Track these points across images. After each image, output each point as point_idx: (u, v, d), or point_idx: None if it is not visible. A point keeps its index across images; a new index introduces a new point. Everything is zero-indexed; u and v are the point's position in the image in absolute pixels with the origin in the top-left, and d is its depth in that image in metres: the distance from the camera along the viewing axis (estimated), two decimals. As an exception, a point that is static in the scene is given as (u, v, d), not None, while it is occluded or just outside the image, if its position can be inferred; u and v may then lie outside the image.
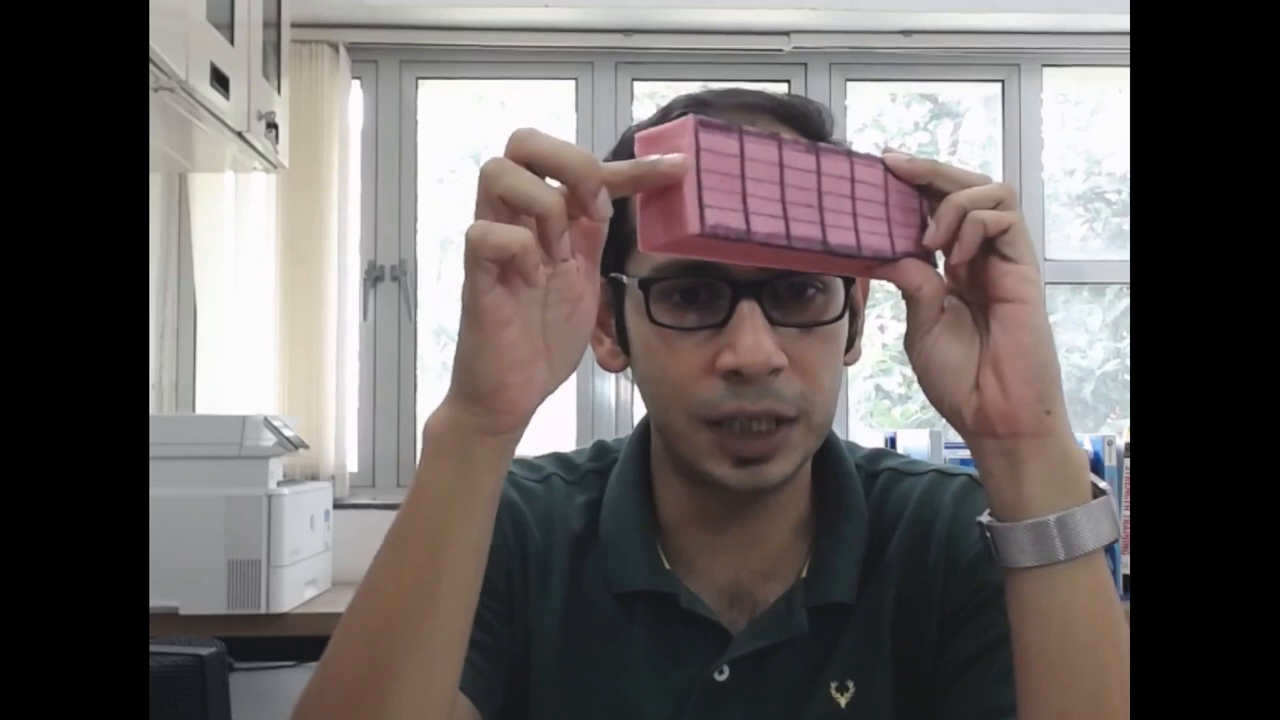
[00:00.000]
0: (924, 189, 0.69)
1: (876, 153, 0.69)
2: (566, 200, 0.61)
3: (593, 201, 0.61)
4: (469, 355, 0.63)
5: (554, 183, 0.61)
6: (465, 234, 0.60)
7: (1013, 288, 0.66)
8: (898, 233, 0.68)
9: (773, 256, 0.65)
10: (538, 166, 0.60)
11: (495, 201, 0.60)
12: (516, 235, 0.59)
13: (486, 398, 0.63)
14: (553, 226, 0.60)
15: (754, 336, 0.73)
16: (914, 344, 0.70)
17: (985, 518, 0.70)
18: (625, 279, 0.79)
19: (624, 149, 0.81)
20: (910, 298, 0.69)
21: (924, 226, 0.69)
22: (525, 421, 0.65)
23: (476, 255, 0.60)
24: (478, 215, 0.61)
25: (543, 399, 0.65)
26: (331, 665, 0.68)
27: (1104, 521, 0.67)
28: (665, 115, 0.81)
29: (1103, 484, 0.69)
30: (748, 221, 0.62)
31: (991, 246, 0.66)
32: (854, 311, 0.81)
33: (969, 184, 0.67)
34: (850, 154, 0.67)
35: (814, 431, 0.78)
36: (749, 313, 0.73)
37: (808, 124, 0.80)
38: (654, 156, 0.60)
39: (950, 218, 0.66)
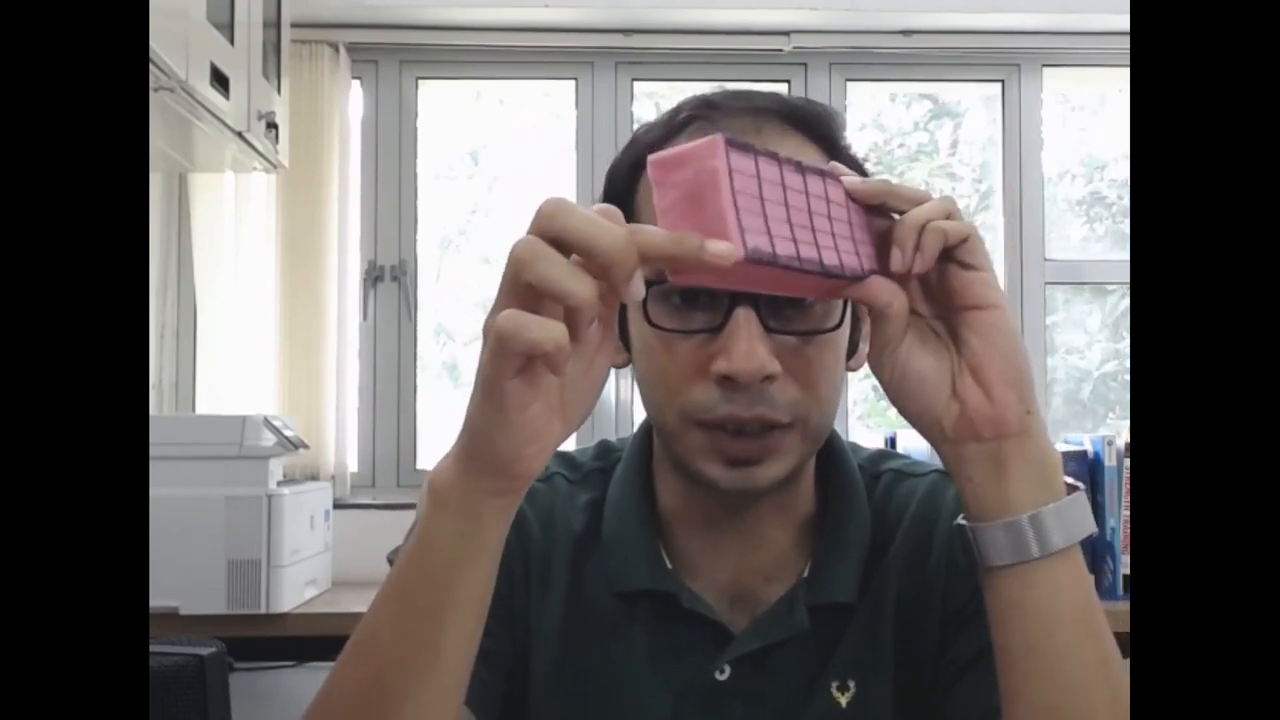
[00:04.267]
0: (876, 209, 0.69)
1: (874, 154, 0.69)
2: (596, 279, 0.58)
3: (626, 286, 0.57)
4: (484, 429, 0.61)
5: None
6: (496, 324, 0.57)
7: (981, 294, 0.67)
8: (862, 251, 0.67)
9: (774, 279, 0.63)
10: (568, 247, 0.57)
11: (524, 289, 0.57)
12: (551, 334, 0.56)
13: (503, 467, 0.62)
14: (584, 318, 0.58)
15: (748, 344, 0.73)
16: (884, 360, 0.70)
17: (964, 520, 0.70)
18: None
19: (633, 150, 0.81)
20: (879, 315, 0.68)
21: (880, 244, 0.68)
22: (534, 479, 0.64)
23: (506, 349, 0.57)
24: (503, 300, 0.58)
25: (553, 452, 0.64)
26: (329, 705, 0.68)
27: (1076, 518, 0.68)
28: (674, 116, 0.81)
29: (1074, 482, 0.70)
30: (772, 245, 0.60)
31: (950, 256, 0.67)
32: (858, 318, 0.82)
33: (919, 200, 0.67)
34: (822, 172, 0.66)
35: (809, 438, 0.78)
36: (745, 319, 0.73)
37: (818, 126, 0.80)
38: (696, 239, 0.57)
39: (910, 238, 0.66)
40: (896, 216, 0.68)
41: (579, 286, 0.57)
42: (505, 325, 0.57)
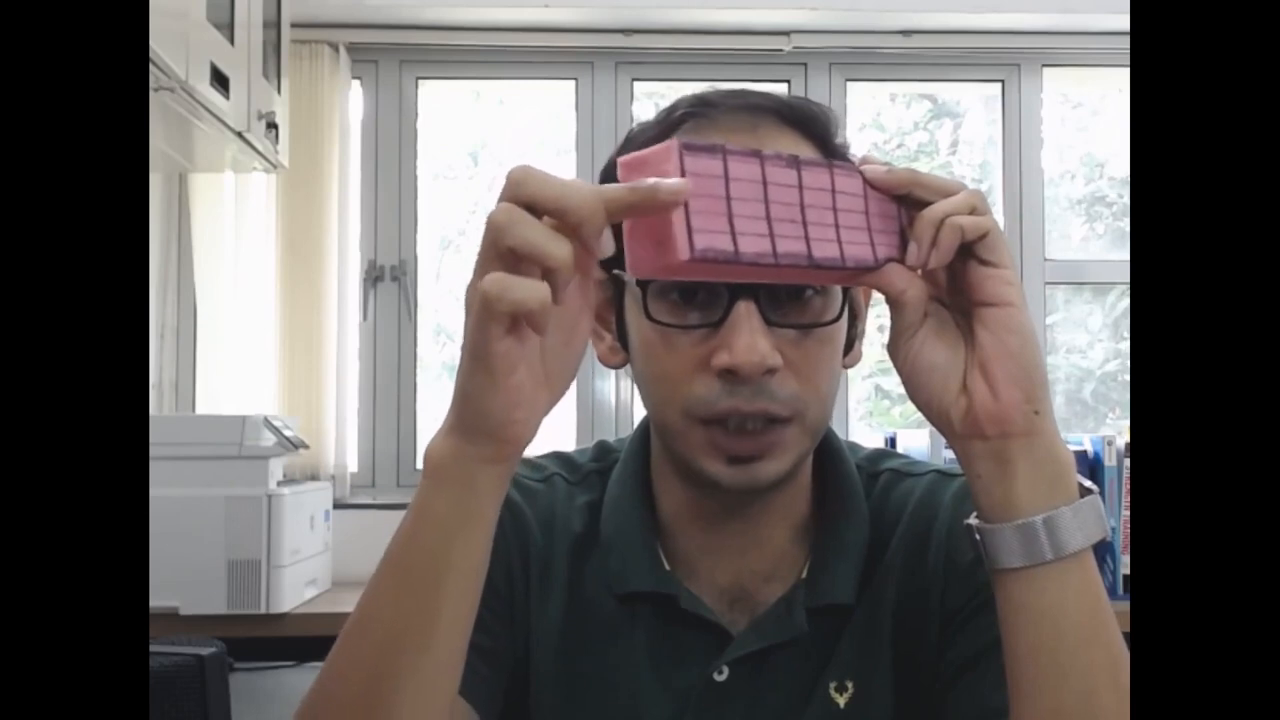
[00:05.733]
0: (902, 198, 0.69)
1: (864, 156, 0.70)
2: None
3: (596, 241, 0.60)
4: (475, 395, 0.63)
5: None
6: (480, 286, 0.59)
7: (995, 291, 0.67)
8: (879, 240, 0.69)
9: (759, 273, 0.65)
10: (539, 210, 0.59)
11: (505, 253, 0.59)
12: (535, 292, 0.59)
13: (493, 432, 0.63)
14: (563, 278, 0.60)
15: (750, 337, 0.73)
16: (899, 348, 0.70)
17: (973, 520, 0.70)
18: (625, 276, 0.79)
19: (628, 149, 0.81)
20: (895, 302, 0.69)
21: (903, 232, 0.69)
22: (526, 446, 0.66)
23: (493, 309, 0.59)
24: (483, 265, 0.60)
25: (541, 422, 0.66)
26: (328, 687, 0.69)
27: (1091, 521, 0.67)
28: (669, 114, 0.81)
29: (1089, 484, 0.69)
30: (735, 243, 0.62)
31: (970, 252, 0.67)
32: (855, 314, 0.82)
33: (946, 192, 0.68)
34: (830, 164, 0.68)
35: (808, 432, 0.78)
36: (746, 313, 0.73)
37: (813, 126, 0.80)
38: (651, 180, 0.60)
39: (929, 234, 0.67)
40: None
41: (557, 247, 0.59)
42: (491, 287, 0.59)
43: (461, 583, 0.66)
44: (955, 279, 0.69)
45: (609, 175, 0.83)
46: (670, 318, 0.76)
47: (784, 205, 0.65)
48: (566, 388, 0.67)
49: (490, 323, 0.60)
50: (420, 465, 2.50)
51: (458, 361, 0.64)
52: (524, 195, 0.59)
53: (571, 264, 0.60)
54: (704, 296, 0.75)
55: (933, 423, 0.71)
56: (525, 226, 0.59)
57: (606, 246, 0.61)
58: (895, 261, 0.69)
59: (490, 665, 0.81)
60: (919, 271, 0.69)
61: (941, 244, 0.66)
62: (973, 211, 0.67)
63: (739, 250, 0.62)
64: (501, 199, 0.60)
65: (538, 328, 0.61)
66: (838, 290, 0.77)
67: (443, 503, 0.65)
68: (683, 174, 0.61)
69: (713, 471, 0.77)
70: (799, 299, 0.76)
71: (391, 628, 0.66)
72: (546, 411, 0.65)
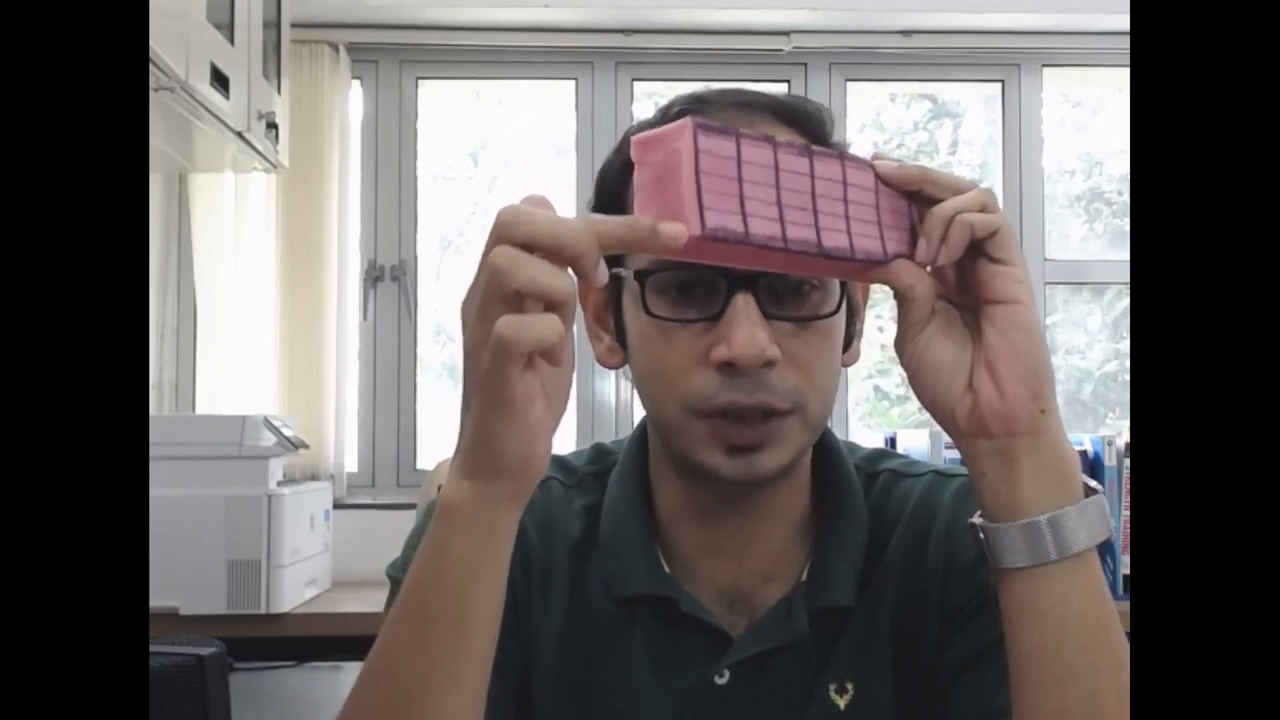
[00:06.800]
0: (913, 195, 0.69)
1: (876, 152, 0.70)
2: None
3: (594, 273, 0.61)
4: (493, 436, 0.62)
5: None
6: (497, 331, 0.59)
7: (1004, 289, 0.67)
8: (889, 235, 0.69)
9: (767, 259, 0.65)
10: (534, 248, 0.60)
11: (511, 296, 0.59)
12: (552, 327, 0.60)
13: (514, 470, 0.63)
14: (570, 312, 0.61)
15: (748, 329, 0.73)
16: (905, 345, 0.70)
17: (977, 519, 0.70)
18: (623, 272, 0.79)
19: (625, 149, 0.81)
20: (903, 297, 0.69)
21: (914, 229, 0.70)
22: (542, 476, 0.66)
23: (512, 352, 0.59)
24: (488, 309, 0.60)
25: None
26: None
27: (1096, 521, 0.67)
28: (665, 114, 0.81)
29: (1094, 483, 0.69)
30: (746, 224, 0.62)
31: (980, 249, 0.67)
32: (853, 311, 0.82)
33: (957, 190, 0.68)
34: (842, 157, 0.68)
35: (808, 426, 0.78)
36: (744, 305, 0.73)
37: (808, 124, 0.80)
38: (648, 222, 0.60)
39: (939, 230, 0.67)
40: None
41: (562, 282, 0.60)
42: (506, 331, 0.59)
43: (485, 621, 0.67)
44: (964, 276, 0.69)
45: (607, 176, 0.83)
46: (668, 312, 0.76)
47: (795, 192, 0.65)
48: (565, 406, 0.67)
49: (509, 365, 0.60)
50: (420, 466, 2.49)
51: (462, 408, 0.64)
52: (519, 236, 0.60)
53: (575, 296, 0.60)
54: (702, 290, 0.75)
55: (938, 420, 0.71)
56: (529, 267, 0.59)
57: (602, 276, 0.61)
58: (904, 257, 0.69)
59: (503, 679, 0.81)
60: (928, 268, 0.69)
61: (951, 240, 0.66)
62: (983, 209, 0.67)
63: (749, 232, 0.62)
64: (494, 241, 0.60)
65: (556, 360, 0.62)
66: (835, 285, 0.77)
67: (463, 546, 0.65)
68: (695, 152, 0.61)
69: (712, 462, 0.77)
70: (797, 292, 0.76)
71: (418, 672, 0.66)
72: (553, 434, 0.66)
